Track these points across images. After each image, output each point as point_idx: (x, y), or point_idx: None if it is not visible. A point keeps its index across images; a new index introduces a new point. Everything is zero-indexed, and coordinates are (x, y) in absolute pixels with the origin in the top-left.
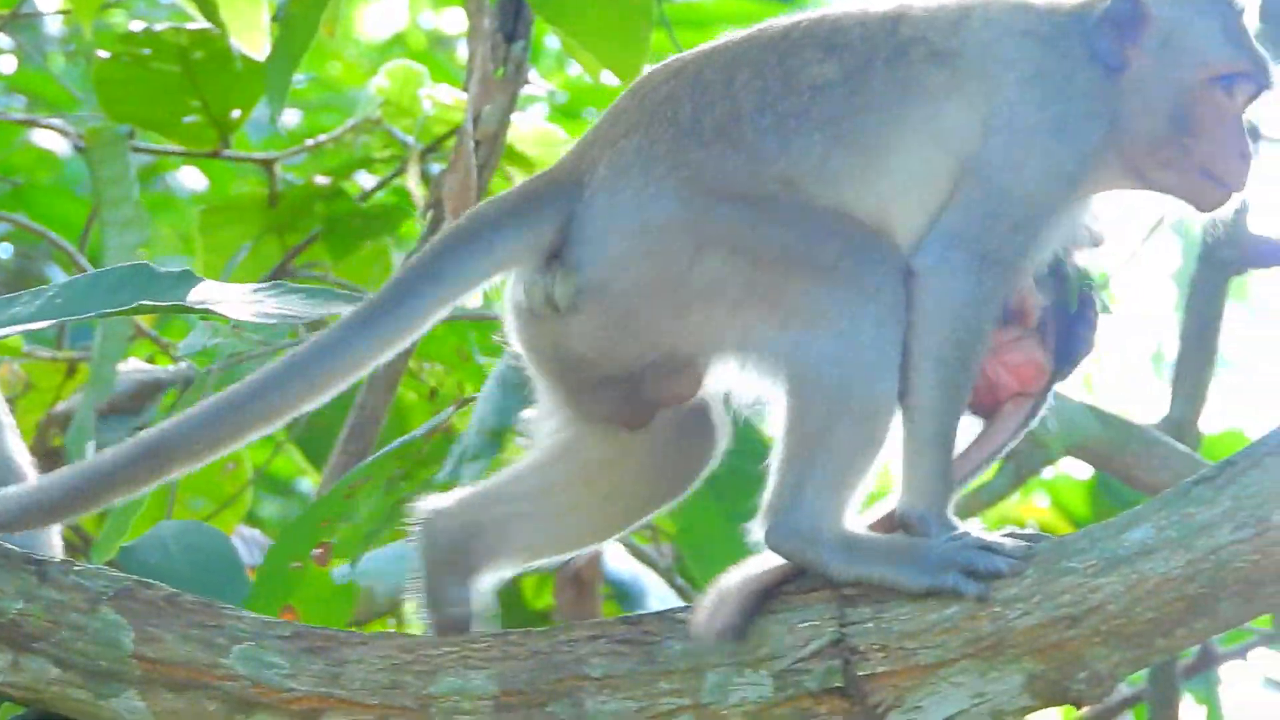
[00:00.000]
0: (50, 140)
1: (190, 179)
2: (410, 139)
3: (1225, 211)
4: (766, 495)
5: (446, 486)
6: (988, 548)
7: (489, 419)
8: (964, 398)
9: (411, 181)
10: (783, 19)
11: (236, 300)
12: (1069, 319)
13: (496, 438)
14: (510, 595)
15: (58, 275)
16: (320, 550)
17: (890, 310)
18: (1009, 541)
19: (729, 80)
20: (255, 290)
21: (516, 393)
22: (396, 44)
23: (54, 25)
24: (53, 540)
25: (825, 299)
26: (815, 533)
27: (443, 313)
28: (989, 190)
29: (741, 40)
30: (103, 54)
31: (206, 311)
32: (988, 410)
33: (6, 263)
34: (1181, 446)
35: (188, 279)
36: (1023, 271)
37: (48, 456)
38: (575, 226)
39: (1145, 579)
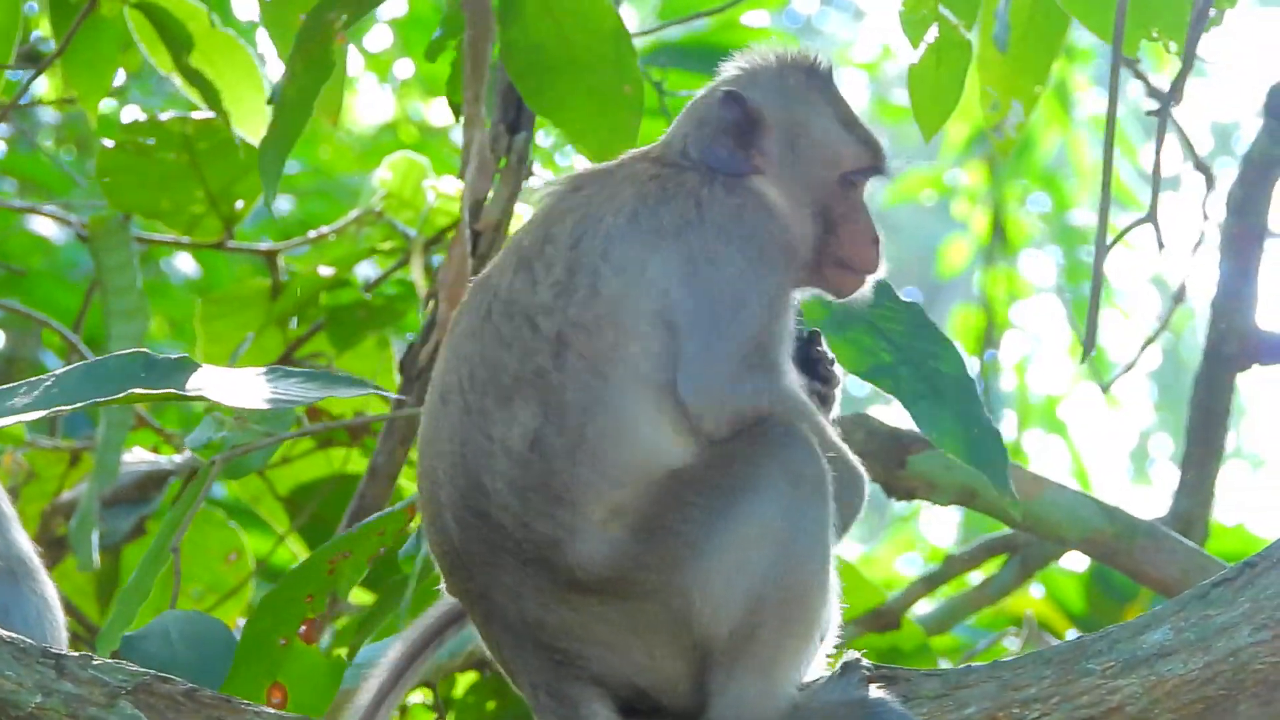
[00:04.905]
0: (45, 227)
1: (184, 264)
2: (413, 231)
3: (863, 294)
4: None
5: (409, 562)
6: None
7: None
8: None
9: (415, 273)
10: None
11: (232, 386)
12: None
13: None
14: None
15: (51, 361)
16: (306, 626)
17: None
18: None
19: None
20: (252, 376)
21: None
22: (386, 132)
23: (45, 111)
24: (59, 632)
25: None
26: None
27: None
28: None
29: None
30: (107, 142)
31: (200, 398)
32: None
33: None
34: (1188, 542)
35: (184, 365)
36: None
37: (52, 545)
38: None
39: (1164, 680)
